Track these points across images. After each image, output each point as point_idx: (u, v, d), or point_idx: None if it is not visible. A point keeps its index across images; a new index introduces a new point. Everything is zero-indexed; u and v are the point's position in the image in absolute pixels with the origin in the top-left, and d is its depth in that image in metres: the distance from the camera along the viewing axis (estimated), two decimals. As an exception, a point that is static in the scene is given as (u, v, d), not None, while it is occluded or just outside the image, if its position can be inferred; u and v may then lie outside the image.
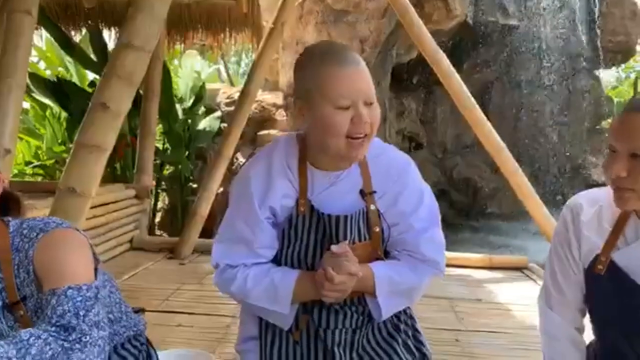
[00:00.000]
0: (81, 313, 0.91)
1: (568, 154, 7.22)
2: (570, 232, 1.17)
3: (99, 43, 5.25)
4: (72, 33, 5.44)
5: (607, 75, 9.57)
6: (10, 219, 1.08)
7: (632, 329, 1.09)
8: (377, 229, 1.22)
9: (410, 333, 1.31)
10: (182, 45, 5.66)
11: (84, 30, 5.47)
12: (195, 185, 6.02)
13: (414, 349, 1.28)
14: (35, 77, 5.28)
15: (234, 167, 5.40)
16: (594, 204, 1.16)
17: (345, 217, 1.19)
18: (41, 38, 6.85)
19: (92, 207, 3.14)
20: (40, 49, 6.75)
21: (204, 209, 4.25)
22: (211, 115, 6.24)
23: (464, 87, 3.90)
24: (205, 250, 4.16)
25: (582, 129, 7.32)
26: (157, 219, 6.43)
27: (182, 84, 6.61)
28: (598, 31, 6.91)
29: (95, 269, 1.05)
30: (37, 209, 2.81)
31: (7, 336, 0.94)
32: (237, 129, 4.27)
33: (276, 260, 1.25)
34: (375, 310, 1.23)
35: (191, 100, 6.27)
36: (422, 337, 1.33)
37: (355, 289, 1.17)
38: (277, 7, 4.15)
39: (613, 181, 1.05)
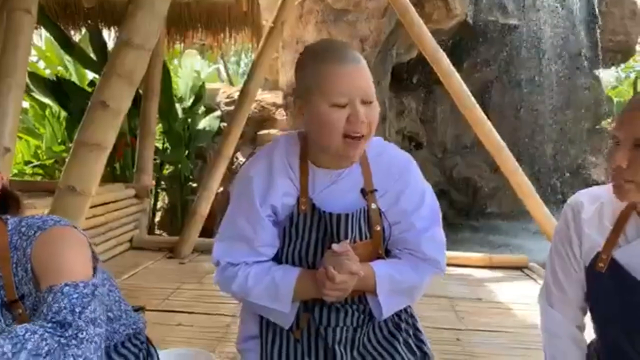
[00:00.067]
0: (77, 310, 0.90)
1: (568, 153, 7.22)
2: (571, 229, 1.16)
3: (99, 42, 5.25)
4: (72, 32, 5.44)
5: (607, 75, 9.58)
6: (8, 217, 1.08)
7: (633, 326, 1.08)
8: (378, 228, 1.22)
9: (411, 332, 1.30)
10: (182, 45, 5.66)
11: (83, 30, 5.47)
12: (195, 185, 6.02)
13: (415, 348, 1.27)
14: (35, 77, 5.27)
15: (233, 166, 5.39)
16: (595, 202, 1.16)
17: (347, 215, 1.18)
18: (40, 37, 6.85)
19: (92, 207, 3.15)
20: (39, 49, 6.74)
21: (204, 208, 4.25)
22: (211, 115, 6.24)
23: (464, 87, 3.89)
24: (205, 250, 4.16)
25: (582, 128, 7.33)
26: (157, 219, 6.43)
27: (181, 84, 6.61)
28: (598, 31, 6.91)
29: (94, 268, 1.04)
30: (37, 208, 2.81)
31: None
32: (237, 128, 4.26)
33: (277, 259, 1.25)
34: (376, 309, 1.23)
35: (191, 100, 6.27)
36: (423, 336, 1.32)
37: (356, 288, 1.17)
38: (277, 6, 4.15)
39: (613, 172, 1.05)
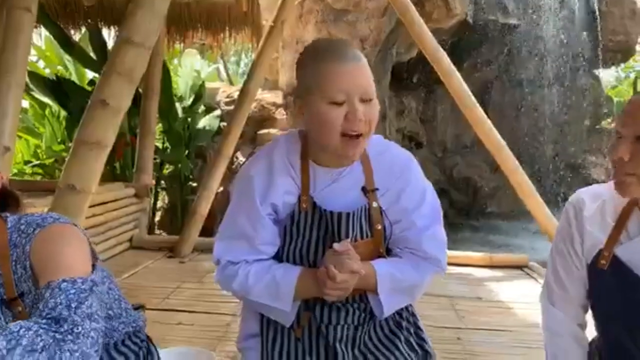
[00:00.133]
0: (73, 305, 0.90)
1: (568, 153, 7.23)
2: (573, 227, 1.16)
3: (99, 41, 5.25)
4: (72, 32, 5.43)
5: (607, 75, 9.58)
6: (8, 214, 1.07)
7: (635, 323, 1.08)
8: (379, 227, 1.21)
9: (412, 330, 1.30)
10: (182, 44, 5.65)
11: (83, 29, 5.47)
12: (195, 184, 6.02)
13: (416, 346, 1.27)
14: (35, 76, 5.27)
15: (233, 166, 5.39)
16: (597, 199, 1.16)
17: (348, 214, 1.18)
18: (40, 37, 6.84)
19: (91, 206, 3.14)
20: (39, 48, 6.74)
21: (204, 207, 4.25)
22: (211, 114, 6.24)
23: (465, 86, 3.90)
24: (205, 249, 4.16)
25: (582, 128, 7.33)
26: (157, 218, 6.43)
27: (181, 83, 6.60)
28: (598, 30, 6.91)
29: (93, 265, 1.04)
30: (36, 207, 2.80)
31: None
32: (236, 127, 4.26)
33: (278, 257, 1.25)
34: (377, 308, 1.22)
35: (191, 99, 6.27)
36: (425, 334, 1.32)
37: (357, 287, 1.16)
38: (277, 6, 4.14)
39: (615, 165, 1.05)
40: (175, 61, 7.85)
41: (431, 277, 1.27)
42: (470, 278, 3.78)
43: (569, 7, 6.90)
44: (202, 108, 6.31)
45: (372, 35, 5.53)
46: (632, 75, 11.27)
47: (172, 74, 5.96)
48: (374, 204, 1.21)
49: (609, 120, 8.22)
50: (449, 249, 1.28)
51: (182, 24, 5.08)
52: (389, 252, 1.26)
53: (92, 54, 5.37)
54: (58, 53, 6.29)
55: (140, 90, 4.57)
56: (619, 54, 7.44)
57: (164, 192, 6.51)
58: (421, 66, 6.27)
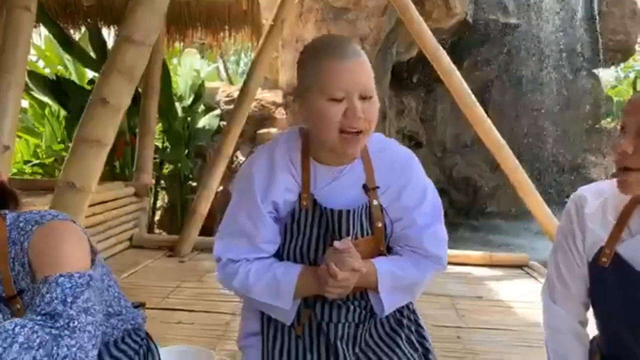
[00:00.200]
0: (69, 300, 0.89)
1: (567, 153, 7.23)
2: (574, 224, 1.16)
3: (98, 41, 5.25)
4: (72, 31, 5.43)
5: (607, 75, 9.60)
6: (7, 212, 1.07)
7: (637, 321, 1.08)
8: (380, 224, 1.21)
9: (413, 328, 1.30)
10: (182, 44, 5.65)
11: (83, 29, 5.46)
12: (194, 184, 6.01)
13: (417, 344, 1.27)
14: (34, 75, 5.26)
15: (233, 165, 5.39)
16: (599, 197, 1.15)
17: (348, 211, 1.18)
18: (40, 36, 6.83)
19: (91, 205, 3.13)
20: (39, 48, 6.73)
21: (204, 207, 4.24)
22: (211, 114, 6.23)
23: (465, 85, 3.89)
24: (205, 248, 4.16)
25: (582, 128, 7.34)
26: (157, 218, 6.42)
27: (181, 82, 6.60)
28: (598, 30, 6.91)
29: (92, 261, 1.03)
30: (36, 206, 2.80)
31: None
32: (236, 127, 4.26)
33: (278, 255, 1.24)
34: (378, 306, 1.22)
35: (190, 99, 6.26)
36: (425, 332, 1.32)
37: (357, 285, 1.16)
38: (277, 5, 4.14)
39: (618, 160, 1.05)
40: (175, 60, 7.85)
41: (432, 275, 1.27)
42: (471, 277, 3.78)
43: (569, 6, 6.90)
44: (201, 107, 6.30)
45: (372, 34, 5.53)
46: (632, 75, 11.28)
47: (171, 73, 5.96)
48: (375, 202, 1.21)
49: (609, 119, 8.23)
50: (449, 248, 1.28)
51: (181, 23, 5.08)
52: (389, 250, 1.26)
53: (91, 54, 5.37)
54: (58, 52, 6.29)
55: (140, 89, 4.57)
56: (619, 54, 7.44)
57: (164, 192, 6.50)
58: (421, 66, 6.28)
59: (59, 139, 5.87)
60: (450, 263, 1.33)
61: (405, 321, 1.28)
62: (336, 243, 1.12)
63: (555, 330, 1.22)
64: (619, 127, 1.08)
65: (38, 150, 6.16)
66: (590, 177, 7.05)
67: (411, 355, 1.22)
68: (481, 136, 3.98)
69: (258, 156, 1.25)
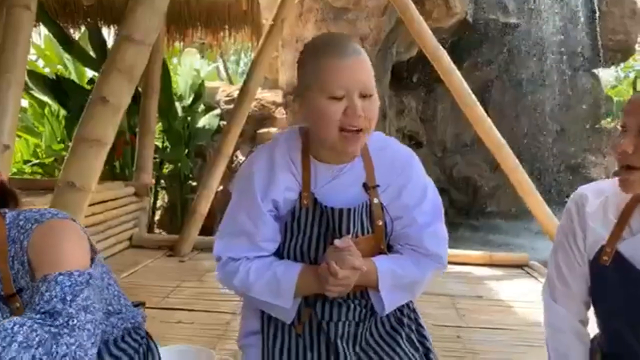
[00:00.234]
0: (68, 298, 0.89)
1: (567, 152, 7.23)
2: (575, 223, 1.16)
3: (98, 40, 5.25)
4: (71, 31, 5.43)
5: (607, 75, 9.60)
6: (6, 210, 1.07)
7: (638, 319, 1.08)
8: (380, 223, 1.21)
9: (413, 327, 1.29)
10: (182, 43, 5.65)
11: (82, 28, 5.46)
12: (194, 183, 6.01)
13: (417, 343, 1.26)
14: (34, 75, 5.26)
15: (233, 165, 5.39)
16: (600, 195, 1.15)
17: (349, 210, 1.17)
18: (40, 36, 6.83)
19: (91, 205, 3.13)
20: (38, 47, 6.73)
21: (204, 207, 4.24)
22: (210, 113, 6.23)
23: (465, 84, 3.89)
24: (205, 248, 4.16)
25: (582, 128, 7.34)
26: (157, 217, 6.42)
27: (181, 82, 6.59)
28: (598, 30, 6.91)
29: (92, 259, 1.03)
30: (36, 206, 2.76)
31: None
32: (236, 126, 4.26)
33: (279, 254, 1.24)
34: (378, 305, 1.22)
35: (190, 98, 6.26)
36: (426, 331, 1.31)
37: (358, 283, 1.16)
38: (277, 5, 4.14)
39: (619, 159, 1.05)
40: (175, 60, 7.85)
41: (432, 274, 1.26)
42: (471, 277, 3.78)
43: (569, 6, 6.90)
44: (201, 107, 6.30)
45: (372, 34, 5.53)
46: (632, 75, 11.28)
47: (171, 73, 5.95)
48: (375, 200, 1.21)
49: (609, 119, 8.23)
50: (449, 248, 1.28)
51: (181, 23, 5.07)
52: (389, 249, 1.26)
53: (91, 53, 5.36)
54: (57, 52, 6.29)
55: (140, 89, 4.57)
56: (619, 54, 7.44)
57: (164, 191, 6.50)
58: (421, 65, 6.27)
59: (58, 139, 5.87)
60: (450, 263, 1.32)
61: (405, 320, 1.28)
62: (337, 241, 1.12)
63: (556, 329, 1.22)
64: (619, 127, 1.08)
65: (38, 150, 6.16)
66: (590, 177, 7.05)
67: (412, 354, 1.22)
68: (481, 136, 3.98)
69: (258, 155, 1.25)
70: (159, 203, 6.50)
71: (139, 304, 1.32)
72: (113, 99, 2.10)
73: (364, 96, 1.10)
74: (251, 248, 1.21)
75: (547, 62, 6.98)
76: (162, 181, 6.29)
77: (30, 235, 0.98)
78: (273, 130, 5.64)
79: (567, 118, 7.21)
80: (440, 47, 3.86)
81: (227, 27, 5.13)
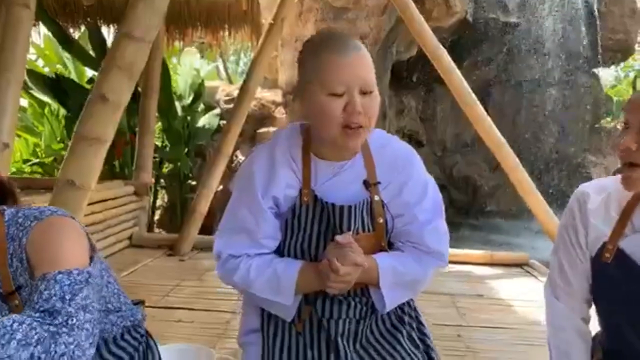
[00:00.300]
0: (67, 297, 0.89)
1: (567, 152, 7.23)
2: (577, 220, 1.16)
3: (98, 39, 5.24)
4: (71, 30, 5.42)
5: (606, 74, 9.60)
6: (5, 207, 1.06)
7: (639, 317, 1.07)
8: (381, 220, 1.21)
9: (414, 325, 1.29)
10: (182, 43, 5.64)
11: (82, 28, 5.45)
12: (194, 183, 6.01)
13: (418, 341, 1.26)
14: (34, 74, 5.26)
15: (233, 164, 5.38)
16: (602, 192, 1.15)
17: (349, 207, 1.17)
18: (39, 35, 6.82)
19: (90, 204, 3.13)
20: (38, 47, 6.73)
21: (203, 206, 4.24)
22: (210, 113, 6.23)
23: (465, 84, 3.89)
24: (204, 247, 4.15)
25: (582, 127, 7.34)
26: (156, 217, 6.42)
27: (181, 82, 6.59)
28: (598, 29, 6.91)
29: (91, 257, 1.03)
30: (35, 204, 2.78)
31: None
32: (236, 126, 4.25)
33: (279, 251, 1.24)
34: (379, 302, 1.22)
35: (190, 98, 6.26)
36: (426, 329, 1.31)
37: (359, 280, 1.15)
38: (277, 4, 4.13)
39: (622, 156, 1.05)
40: (175, 60, 7.84)
41: (433, 271, 1.26)
42: (471, 276, 3.78)
43: (569, 6, 6.90)
44: (201, 106, 6.30)
45: (372, 34, 5.53)
46: (632, 75, 11.28)
47: (171, 72, 5.95)
48: (376, 198, 1.20)
49: (609, 119, 8.23)
50: (450, 247, 1.27)
51: (181, 22, 5.06)
52: (390, 246, 1.25)
53: (91, 52, 5.36)
54: (57, 51, 6.28)
55: (140, 88, 4.56)
56: (619, 53, 7.45)
57: (164, 191, 6.50)
58: (421, 65, 6.28)
59: (58, 138, 5.86)
60: (451, 262, 1.32)
61: (406, 318, 1.27)
62: (338, 237, 1.11)
63: (558, 327, 1.21)
64: (619, 126, 1.08)
65: (37, 150, 6.15)
66: (590, 176, 7.05)
67: (412, 352, 1.21)
68: (481, 135, 3.98)
69: (259, 153, 1.25)
70: (158, 202, 6.50)
71: (139, 302, 1.31)
72: (113, 96, 2.09)
73: (364, 92, 1.09)
74: (252, 245, 1.21)
75: (547, 62, 6.98)
76: (162, 180, 6.29)
77: (29, 232, 0.98)
78: (273, 129, 5.64)
79: (567, 117, 7.21)
80: (441, 46, 3.86)
81: (227, 26, 5.12)
